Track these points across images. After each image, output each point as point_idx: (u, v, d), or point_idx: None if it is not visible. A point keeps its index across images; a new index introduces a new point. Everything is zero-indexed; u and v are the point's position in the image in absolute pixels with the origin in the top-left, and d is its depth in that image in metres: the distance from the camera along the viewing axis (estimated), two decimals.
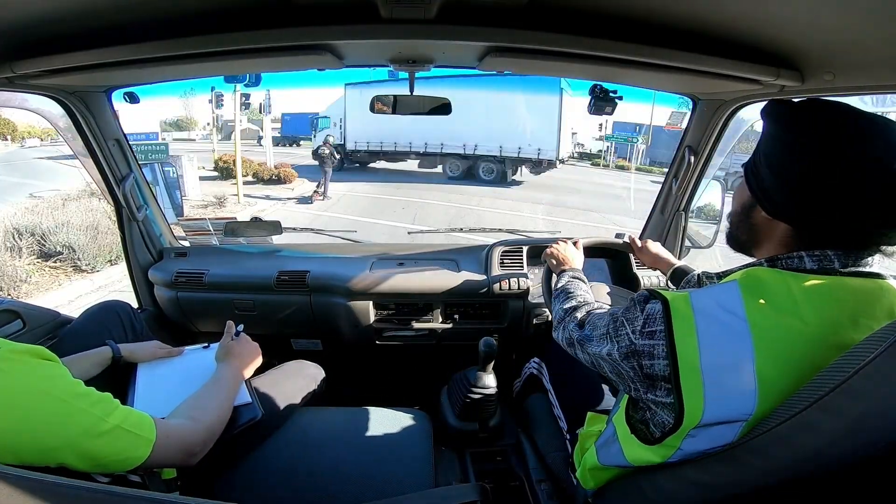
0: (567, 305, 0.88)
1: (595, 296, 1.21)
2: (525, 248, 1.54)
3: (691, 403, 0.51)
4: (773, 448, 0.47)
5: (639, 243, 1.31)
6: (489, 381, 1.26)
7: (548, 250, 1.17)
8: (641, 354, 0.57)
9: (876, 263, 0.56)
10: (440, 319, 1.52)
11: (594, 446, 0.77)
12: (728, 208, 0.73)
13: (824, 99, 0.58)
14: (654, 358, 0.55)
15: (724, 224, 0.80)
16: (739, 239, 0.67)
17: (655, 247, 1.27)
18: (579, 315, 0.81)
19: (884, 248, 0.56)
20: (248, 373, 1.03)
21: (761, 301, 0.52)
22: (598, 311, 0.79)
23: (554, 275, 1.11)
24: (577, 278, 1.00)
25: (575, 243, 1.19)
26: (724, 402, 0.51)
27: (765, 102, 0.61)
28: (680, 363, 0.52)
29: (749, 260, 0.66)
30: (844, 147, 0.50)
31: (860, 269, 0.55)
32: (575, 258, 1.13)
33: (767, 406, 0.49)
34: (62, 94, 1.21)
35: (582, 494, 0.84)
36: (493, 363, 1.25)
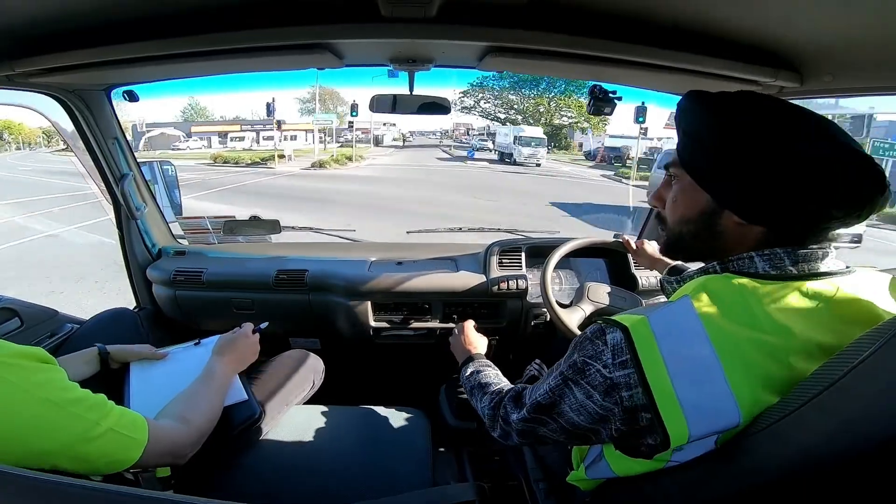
0: (488, 402, 0.78)
1: (595, 296, 1.21)
2: (524, 249, 1.54)
3: (674, 428, 0.50)
4: (768, 445, 0.47)
5: (634, 245, 1.31)
6: None
7: (451, 339, 1.13)
8: (620, 387, 0.52)
9: (828, 257, 0.55)
10: (439, 319, 1.52)
11: (582, 464, 0.74)
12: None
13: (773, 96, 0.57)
14: (631, 388, 0.52)
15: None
16: (695, 248, 0.63)
17: (652, 247, 1.26)
18: (509, 396, 0.73)
19: (831, 235, 0.55)
20: (241, 369, 1.02)
21: (718, 315, 0.51)
22: (528, 382, 0.74)
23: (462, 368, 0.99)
24: (485, 366, 0.95)
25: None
26: (707, 419, 0.49)
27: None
28: (654, 391, 0.50)
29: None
30: (822, 142, 0.50)
31: (813, 268, 0.54)
32: (477, 341, 1.09)
33: (753, 415, 0.49)
34: (62, 92, 1.21)
35: (580, 493, 0.84)
36: None
